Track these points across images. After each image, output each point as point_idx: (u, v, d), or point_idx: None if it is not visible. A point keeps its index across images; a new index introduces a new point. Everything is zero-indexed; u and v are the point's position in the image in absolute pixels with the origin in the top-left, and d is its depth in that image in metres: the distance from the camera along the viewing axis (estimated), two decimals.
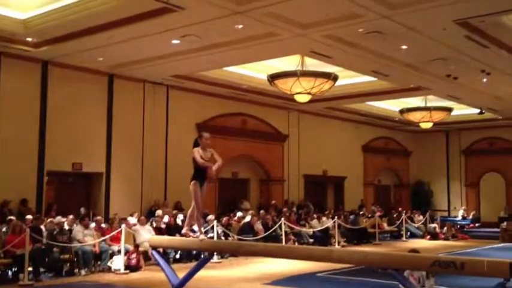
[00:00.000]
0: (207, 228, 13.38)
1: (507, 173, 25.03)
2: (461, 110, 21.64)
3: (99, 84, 14.87)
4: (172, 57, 13.44)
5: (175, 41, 12.19)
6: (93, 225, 11.88)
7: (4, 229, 10.77)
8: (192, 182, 6.75)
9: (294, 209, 18.68)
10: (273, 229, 14.76)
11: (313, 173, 21.70)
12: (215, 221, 13.33)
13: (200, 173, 6.66)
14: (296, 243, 14.93)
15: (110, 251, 11.39)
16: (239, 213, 15.77)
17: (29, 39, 12.28)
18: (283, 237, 14.81)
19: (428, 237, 19.81)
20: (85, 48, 12.66)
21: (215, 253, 11.68)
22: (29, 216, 11.55)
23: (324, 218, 17.24)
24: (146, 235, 11.58)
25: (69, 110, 14.18)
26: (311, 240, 15.85)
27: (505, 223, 19.31)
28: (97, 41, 12.06)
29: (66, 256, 10.84)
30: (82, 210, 12.74)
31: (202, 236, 6.75)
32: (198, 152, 6.61)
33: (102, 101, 14.98)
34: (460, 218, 24.32)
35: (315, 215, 17.54)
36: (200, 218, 7.09)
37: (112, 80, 15.10)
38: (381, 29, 11.43)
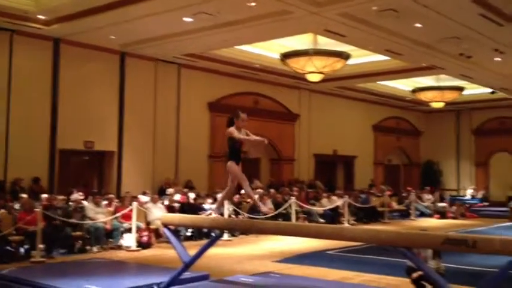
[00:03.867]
0: None
1: None
2: (473, 90, 21.48)
3: (111, 63, 14.88)
4: (185, 36, 13.40)
5: (187, 19, 12.14)
6: (105, 202, 12.02)
7: (16, 206, 10.91)
8: (229, 163, 6.41)
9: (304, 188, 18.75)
10: (283, 208, 14.84)
11: (324, 153, 21.72)
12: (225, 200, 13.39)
13: (236, 153, 6.35)
14: (306, 222, 15.01)
15: (122, 229, 11.54)
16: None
17: (41, 16, 12.30)
18: (294, 216, 14.90)
19: (437, 216, 19.84)
20: (97, 26, 12.65)
21: (225, 231, 11.80)
22: (45, 195, 11.67)
23: (334, 197, 17.32)
24: (158, 213, 11.70)
25: (80, 88, 14.23)
26: (321, 219, 15.93)
27: None
28: (109, 18, 12.05)
29: (78, 233, 10.98)
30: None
31: (214, 214, 6.70)
32: (234, 132, 6.26)
33: (114, 80, 15.01)
34: (469, 197, 24.30)
35: (324, 194, 17.61)
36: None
37: (124, 59, 15.11)
38: (395, 7, 11.32)
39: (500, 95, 21.85)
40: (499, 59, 15.82)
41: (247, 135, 6.38)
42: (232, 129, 6.26)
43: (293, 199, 15.14)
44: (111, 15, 11.76)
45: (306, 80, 16.06)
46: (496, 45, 14.42)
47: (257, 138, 6.40)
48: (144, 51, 15.04)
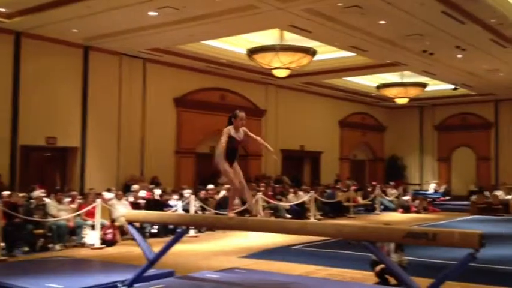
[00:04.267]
0: (185, 203, 13.44)
1: (478, 148, 25.54)
2: (436, 86, 21.90)
3: (74, 57, 14.59)
4: (150, 30, 13.24)
5: (152, 13, 12.00)
6: (67, 200, 11.80)
7: None
8: (223, 161, 6.19)
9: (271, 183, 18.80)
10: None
11: (291, 148, 21.82)
12: (192, 196, 13.35)
13: (229, 151, 6.19)
14: (272, 218, 15.06)
15: (85, 226, 11.35)
16: (210, 186, 15.73)
17: (2, 9, 11.98)
18: (260, 211, 14.91)
19: (401, 210, 20.19)
20: (59, 19, 12.38)
21: (192, 227, 11.75)
22: (6, 192, 11.38)
23: (301, 193, 17.43)
24: (122, 210, 11.56)
25: (42, 83, 13.92)
26: (287, 215, 16.00)
27: (474, 196, 19.75)
28: (72, 11, 11.81)
29: (40, 231, 10.75)
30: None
31: (231, 214, 6.31)
32: (227, 133, 6.17)
33: (77, 74, 14.73)
34: (431, 191, 24.79)
35: (291, 190, 17.70)
36: (242, 196, 6.64)
37: (87, 53, 14.83)
38: (359, 4, 11.43)
39: (462, 91, 22.34)
40: (461, 56, 16.15)
41: (247, 134, 6.47)
42: (225, 130, 6.24)
43: (260, 195, 15.16)
44: (74, 8, 11.52)
45: (272, 75, 16.09)
46: (458, 43, 14.72)
47: (258, 138, 6.55)
48: (109, 46, 14.81)
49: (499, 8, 12.18)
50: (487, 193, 20.01)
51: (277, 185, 18.40)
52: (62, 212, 11.28)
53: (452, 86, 21.16)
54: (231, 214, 6.34)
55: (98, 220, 11.07)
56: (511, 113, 24.76)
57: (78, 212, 11.43)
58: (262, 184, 17.24)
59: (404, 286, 4.99)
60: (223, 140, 6.14)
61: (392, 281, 7.16)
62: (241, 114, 6.41)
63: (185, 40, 14.55)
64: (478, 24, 13.11)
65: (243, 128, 6.42)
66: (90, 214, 11.40)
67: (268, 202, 15.79)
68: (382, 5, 11.45)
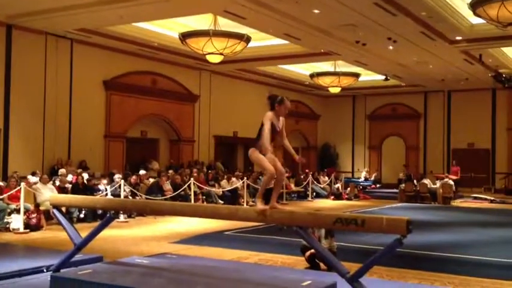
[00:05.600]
0: (114, 187, 13.11)
1: (407, 137, 26.48)
2: (368, 76, 22.40)
3: None
4: (77, 9, 12.69)
5: None
6: None
7: None
8: (250, 150, 5.46)
9: (204, 169, 18.69)
10: (182, 189, 14.69)
11: (224, 134, 21.74)
12: (122, 181, 13.04)
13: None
14: (205, 203, 14.96)
15: (8, 210, 10.88)
16: (142, 172, 15.45)
17: None
18: (192, 197, 14.80)
19: (332, 197, 20.60)
20: None
21: (121, 212, 11.47)
22: None
23: (234, 179, 17.40)
24: (48, 194, 11.12)
25: None
26: (220, 201, 15.95)
27: (403, 184, 20.40)
28: None
29: None
30: None
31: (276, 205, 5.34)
32: (270, 119, 5.31)
33: (0, 53, 13.97)
34: (362, 179, 25.45)
35: (224, 176, 17.65)
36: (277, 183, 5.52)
37: (10, 31, 14.09)
38: None
39: (393, 82, 22.98)
40: (392, 48, 16.56)
41: (283, 128, 5.51)
42: (268, 113, 5.36)
43: (192, 180, 15.02)
44: None
45: (206, 61, 15.90)
46: (390, 34, 15.07)
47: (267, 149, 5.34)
48: (33, 24, 14.12)
49: (429, 1, 12.55)
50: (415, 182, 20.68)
51: (210, 171, 18.29)
52: None
53: (384, 77, 21.71)
54: (276, 205, 5.36)
55: (22, 204, 10.61)
56: (440, 105, 25.78)
57: (1, 197, 10.92)
58: (195, 170, 17.09)
59: (334, 270, 5.04)
60: (267, 127, 5.28)
61: (323, 266, 7.25)
62: (288, 102, 5.47)
63: (115, 21, 14.07)
64: (409, 17, 13.46)
65: (282, 119, 5.51)
66: (14, 198, 10.98)
67: (200, 188, 15.67)
68: None
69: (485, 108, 24.73)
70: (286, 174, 20.53)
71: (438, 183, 19.14)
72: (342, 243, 8.21)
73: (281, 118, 5.46)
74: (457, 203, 19.22)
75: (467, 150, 24.95)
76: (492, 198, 20.27)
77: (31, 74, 14.63)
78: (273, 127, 5.37)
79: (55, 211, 6.71)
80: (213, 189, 16.30)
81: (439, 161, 25.58)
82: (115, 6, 12.33)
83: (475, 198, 20.71)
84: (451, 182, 19.02)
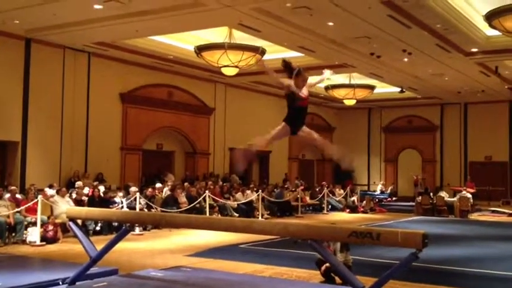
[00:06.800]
0: (130, 200, 13.18)
1: (423, 150, 26.26)
2: (384, 89, 22.33)
3: (15, 49, 14.05)
4: (95, 23, 12.89)
5: (97, 6, 11.68)
6: (7, 196, 11.37)
7: None
8: (283, 124, 5.44)
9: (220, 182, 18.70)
10: (197, 201, 14.71)
11: (239, 147, 21.71)
12: (138, 193, 13.11)
13: (295, 115, 5.38)
14: (220, 216, 14.96)
15: (25, 223, 10.97)
16: (158, 185, 15.51)
17: None
18: (208, 210, 14.81)
19: (348, 210, 20.47)
20: (0, 9, 11.89)
21: (137, 225, 11.53)
22: None
23: (248, 191, 17.39)
24: (65, 207, 11.21)
25: None
26: (235, 213, 15.94)
27: (419, 197, 20.22)
28: (13, 2, 11.36)
29: None
30: None
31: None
32: (288, 84, 5.30)
33: (18, 67, 14.19)
34: (378, 192, 25.27)
35: (239, 188, 17.65)
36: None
37: (29, 45, 14.31)
38: (308, 5, 11.50)
39: (408, 94, 22.87)
40: (407, 60, 16.52)
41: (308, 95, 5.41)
42: (285, 79, 5.27)
43: (207, 193, 15.04)
44: None
45: (221, 73, 15.99)
46: (404, 46, 15.04)
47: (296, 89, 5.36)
48: (52, 38, 14.32)
49: (445, 13, 12.51)
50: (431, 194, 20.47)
51: (225, 184, 18.31)
52: (1, 208, 10.86)
53: (399, 89, 21.64)
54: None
55: (39, 217, 10.70)
56: (456, 117, 25.55)
57: (18, 209, 11.04)
58: (210, 182, 17.12)
59: (349, 284, 5.01)
60: (286, 80, 5.14)
61: (338, 280, 7.20)
62: (306, 74, 5.54)
63: (131, 35, 14.23)
64: (424, 29, 13.43)
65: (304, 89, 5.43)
66: (32, 210, 11.06)
67: (215, 201, 15.68)
68: (331, 6, 11.56)
69: (502, 120, 24.47)
70: (301, 187, 20.48)
71: (456, 197, 18.93)
72: (357, 257, 8.15)
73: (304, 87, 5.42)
74: (474, 216, 18.98)
75: (485, 163, 24.66)
76: (511, 211, 19.98)
77: (49, 87, 14.82)
78: (294, 96, 5.41)
79: (71, 224, 6.79)
80: (228, 201, 16.30)
81: (456, 174, 25.29)
82: (130, 20, 12.47)
83: (493, 211, 20.43)
84: (469, 195, 18.79)
